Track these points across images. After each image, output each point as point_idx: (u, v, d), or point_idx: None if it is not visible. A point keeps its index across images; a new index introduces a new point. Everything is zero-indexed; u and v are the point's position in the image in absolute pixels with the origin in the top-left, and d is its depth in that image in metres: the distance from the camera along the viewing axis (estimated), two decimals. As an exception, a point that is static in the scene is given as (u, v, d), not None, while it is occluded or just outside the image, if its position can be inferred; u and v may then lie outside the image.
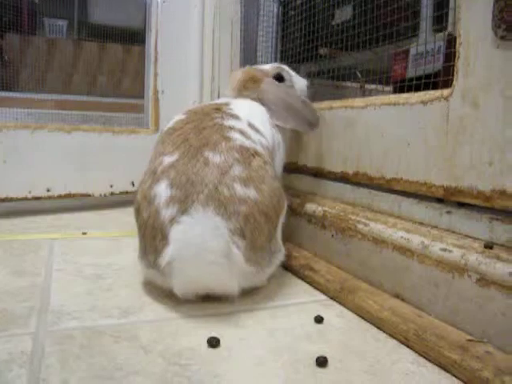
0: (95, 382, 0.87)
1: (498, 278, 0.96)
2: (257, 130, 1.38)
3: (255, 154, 1.27)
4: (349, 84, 2.48)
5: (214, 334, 1.05)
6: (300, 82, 1.77)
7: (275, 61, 3.66)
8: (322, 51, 3.44)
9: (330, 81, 2.43)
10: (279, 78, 1.69)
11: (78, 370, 0.91)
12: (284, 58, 3.67)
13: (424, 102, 1.17)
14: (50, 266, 1.52)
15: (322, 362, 0.95)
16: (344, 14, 2.97)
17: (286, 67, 1.77)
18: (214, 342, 1.02)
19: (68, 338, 1.03)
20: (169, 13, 2.45)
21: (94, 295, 1.29)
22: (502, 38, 0.95)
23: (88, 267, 1.51)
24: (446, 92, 1.11)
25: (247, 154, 1.25)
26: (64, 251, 1.69)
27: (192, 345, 1.03)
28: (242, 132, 1.31)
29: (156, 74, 2.43)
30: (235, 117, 1.37)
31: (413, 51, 2.47)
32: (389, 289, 1.24)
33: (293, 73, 1.76)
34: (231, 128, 1.30)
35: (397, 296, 1.21)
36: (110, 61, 4.83)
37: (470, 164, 1.06)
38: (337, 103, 1.60)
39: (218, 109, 1.40)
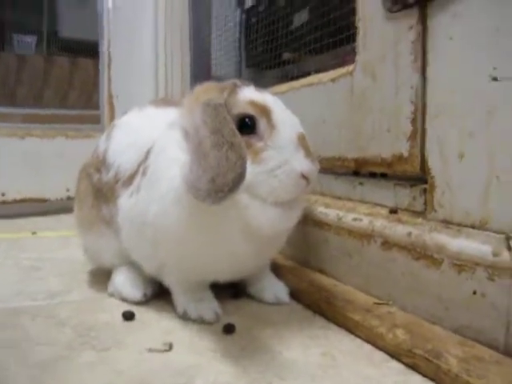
0: (-1, 351, 0.89)
1: (398, 240, 0.99)
2: None
3: None
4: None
5: (130, 309, 1.07)
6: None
7: (238, 68, 3.69)
8: (285, 56, 3.50)
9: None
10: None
11: (-16, 341, 0.92)
12: (249, 65, 3.72)
13: (333, 80, 1.21)
14: (-11, 260, 1.54)
15: (228, 328, 0.97)
16: (302, 17, 3.03)
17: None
18: (128, 316, 1.04)
19: (-14, 318, 1.05)
20: (121, 19, 2.50)
21: (24, 283, 1.30)
22: (389, 10, 1.00)
23: (26, 260, 1.53)
24: (351, 67, 1.16)
25: None
26: (8, 248, 1.70)
27: (108, 319, 1.05)
28: None
29: (110, 79, 2.47)
30: None
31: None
32: (314, 265, 1.26)
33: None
34: None
35: (320, 271, 1.24)
36: (81, 75, 4.88)
37: (372, 133, 1.09)
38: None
39: None
